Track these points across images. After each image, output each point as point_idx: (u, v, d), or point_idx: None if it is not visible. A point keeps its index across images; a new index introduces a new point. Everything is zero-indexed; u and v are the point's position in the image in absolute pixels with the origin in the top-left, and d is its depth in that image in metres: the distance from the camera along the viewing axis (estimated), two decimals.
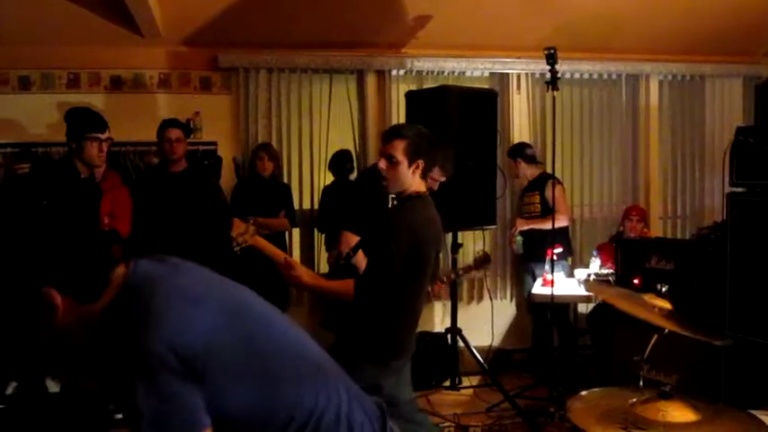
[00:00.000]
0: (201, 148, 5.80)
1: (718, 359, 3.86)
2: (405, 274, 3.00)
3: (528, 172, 5.83)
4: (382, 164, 3.14)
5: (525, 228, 5.71)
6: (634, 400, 2.25)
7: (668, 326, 2.46)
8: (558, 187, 5.67)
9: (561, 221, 5.67)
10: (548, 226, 5.67)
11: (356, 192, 4.71)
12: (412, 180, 3.10)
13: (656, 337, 2.56)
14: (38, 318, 1.43)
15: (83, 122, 4.22)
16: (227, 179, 5.72)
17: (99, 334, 1.46)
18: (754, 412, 2.27)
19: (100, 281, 1.48)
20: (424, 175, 3.15)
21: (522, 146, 5.92)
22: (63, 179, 4.19)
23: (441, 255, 3.69)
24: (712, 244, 4.07)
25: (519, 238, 5.72)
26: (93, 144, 4.17)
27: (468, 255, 6.18)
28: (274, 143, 5.81)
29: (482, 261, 5.36)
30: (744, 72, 6.56)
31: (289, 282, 3.19)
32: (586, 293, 5.05)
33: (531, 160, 5.86)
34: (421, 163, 3.08)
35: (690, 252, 4.27)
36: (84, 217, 4.26)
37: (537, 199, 5.75)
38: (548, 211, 5.66)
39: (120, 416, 4.88)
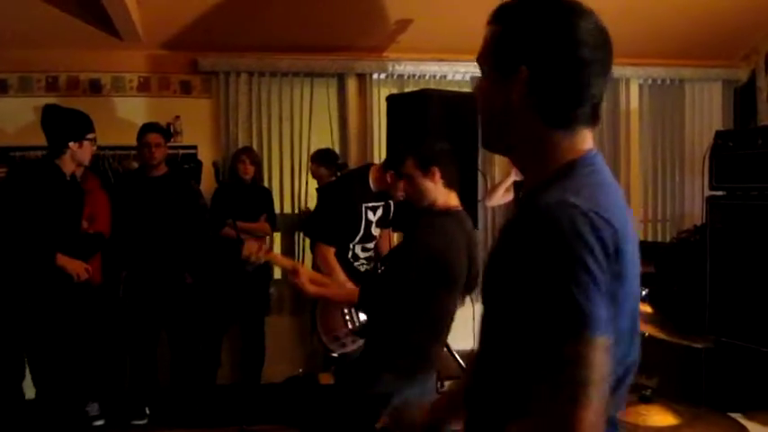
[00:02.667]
0: (182, 151, 5.76)
1: (699, 362, 3.87)
2: (422, 291, 2.94)
3: None
4: (400, 190, 3.20)
5: None
6: None
7: (650, 331, 2.46)
8: None
9: None
10: None
11: (330, 198, 4.63)
12: (435, 190, 3.04)
13: None
14: None
15: (82, 123, 4.24)
16: (207, 183, 5.68)
17: None
18: (734, 416, 2.28)
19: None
20: (449, 184, 3.08)
21: None
22: (48, 181, 4.15)
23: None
24: (692, 247, 4.09)
25: None
26: (92, 145, 4.22)
27: None
28: (255, 147, 5.77)
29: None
30: (723, 76, 6.59)
31: (294, 288, 3.12)
32: None
33: None
34: (436, 170, 3.01)
35: (670, 255, 4.29)
36: (69, 219, 4.24)
37: None
38: None
39: (99, 422, 4.84)
